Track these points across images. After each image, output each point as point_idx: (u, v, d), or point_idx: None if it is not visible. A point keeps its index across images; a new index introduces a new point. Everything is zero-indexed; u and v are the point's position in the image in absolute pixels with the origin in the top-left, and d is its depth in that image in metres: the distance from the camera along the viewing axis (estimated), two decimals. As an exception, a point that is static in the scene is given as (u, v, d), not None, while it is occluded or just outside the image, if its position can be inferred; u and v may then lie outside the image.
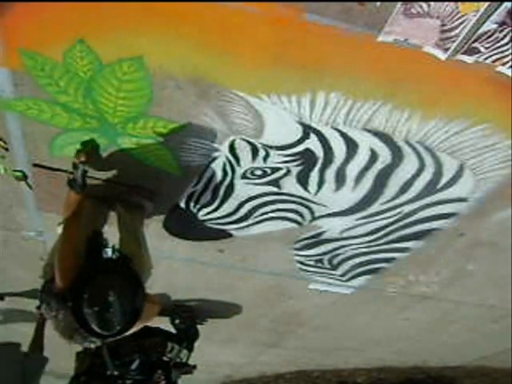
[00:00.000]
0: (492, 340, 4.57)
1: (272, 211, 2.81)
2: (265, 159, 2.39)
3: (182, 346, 3.86)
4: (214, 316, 4.23)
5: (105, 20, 1.73)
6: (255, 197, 2.69)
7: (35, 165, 2.46)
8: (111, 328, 2.04)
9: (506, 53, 1.80)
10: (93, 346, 2.24)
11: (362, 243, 3.12)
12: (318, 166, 2.43)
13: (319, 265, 3.41)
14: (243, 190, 2.62)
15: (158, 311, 2.60)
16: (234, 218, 2.87)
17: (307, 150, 2.32)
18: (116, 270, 2.20)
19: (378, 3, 1.63)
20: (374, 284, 3.62)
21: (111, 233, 2.56)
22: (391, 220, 2.86)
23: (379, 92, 2.00)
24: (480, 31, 1.72)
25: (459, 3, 1.63)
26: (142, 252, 2.46)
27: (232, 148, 2.32)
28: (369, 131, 2.21)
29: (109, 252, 2.46)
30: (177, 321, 4.03)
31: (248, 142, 2.28)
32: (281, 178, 2.53)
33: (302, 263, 3.39)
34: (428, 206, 2.71)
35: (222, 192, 2.64)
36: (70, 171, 2.43)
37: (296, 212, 2.82)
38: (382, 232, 2.98)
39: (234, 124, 2.17)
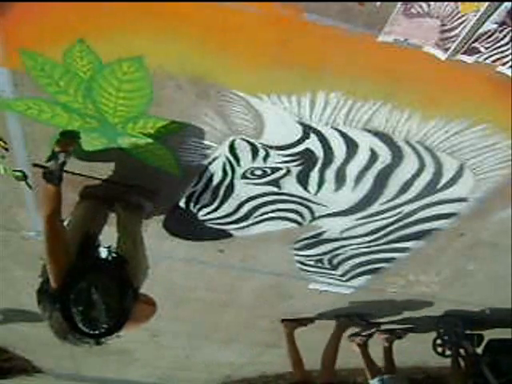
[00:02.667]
0: (492, 340, 4.57)
1: (272, 211, 2.81)
2: (265, 159, 2.39)
3: None
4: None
5: (105, 20, 1.73)
6: (255, 197, 2.69)
7: (35, 165, 2.46)
8: (97, 327, 2.05)
9: (506, 53, 1.80)
10: (88, 346, 2.24)
11: (362, 243, 3.12)
12: (318, 166, 2.43)
13: (319, 265, 3.41)
14: (243, 190, 2.62)
15: (154, 313, 2.60)
16: (234, 217, 2.87)
17: (307, 150, 2.32)
18: (103, 270, 2.20)
19: (378, 3, 1.63)
20: (374, 284, 3.62)
21: (110, 233, 2.56)
22: (391, 220, 2.86)
23: (379, 92, 2.00)
24: (480, 31, 1.72)
25: (459, 3, 1.63)
26: (139, 252, 2.46)
27: (232, 148, 2.32)
28: (369, 131, 2.21)
29: (104, 252, 2.46)
30: None
31: (248, 142, 2.28)
32: (281, 177, 2.53)
33: (302, 263, 3.39)
34: (428, 206, 2.71)
35: (222, 192, 2.64)
36: (69, 171, 2.43)
37: (296, 212, 2.82)
38: (382, 232, 2.98)
39: (233, 124, 2.17)
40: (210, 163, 2.42)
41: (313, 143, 2.28)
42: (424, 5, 1.64)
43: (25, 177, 2.56)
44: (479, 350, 3.92)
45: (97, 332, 2.07)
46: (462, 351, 3.93)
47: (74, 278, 2.08)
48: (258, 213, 2.82)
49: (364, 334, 4.32)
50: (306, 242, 3.13)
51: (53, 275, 2.13)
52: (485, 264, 3.27)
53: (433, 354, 4.24)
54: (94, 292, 2.02)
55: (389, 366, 4.29)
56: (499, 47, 1.78)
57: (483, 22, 1.68)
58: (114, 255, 2.39)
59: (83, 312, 2.01)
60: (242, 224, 2.94)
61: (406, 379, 4.42)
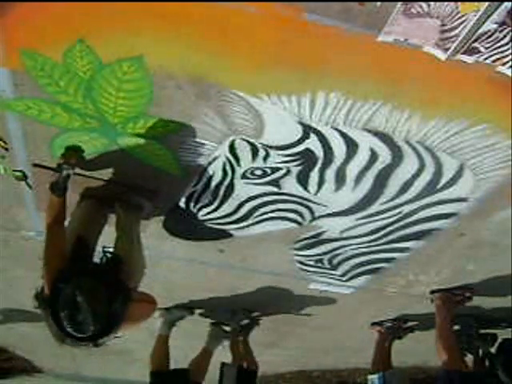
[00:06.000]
0: (492, 340, 4.56)
1: (272, 211, 2.81)
2: (265, 159, 2.39)
3: None
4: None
5: (105, 20, 1.73)
6: (255, 197, 2.69)
7: (35, 165, 2.46)
8: (85, 330, 2.05)
9: (506, 53, 1.80)
10: (87, 347, 2.24)
11: (362, 243, 3.12)
12: (318, 165, 2.43)
13: (319, 265, 3.41)
14: (243, 190, 2.62)
15: (154, 311, 2.59)
16: (234, 217, 2.87)
17: (307, 149, 2.32)
18: (92, 273, 2.21)
19: (378, 3, 1.63)
20: (374, 284, 3.62)
21: (110, 233, 2.56)
22: (391, 220, 2.86)
23: (379, 92, 2.00)
24: (480, 31, 1.72)
25: (459, 3, 1.63)
26: (136, 252, 2.47)
27: (232, 148, 2.32)
28: (369, 131, 2.21)
29: (100, 253, 2.46)
30: None
31: (248, 142, 2.28)
32: (281, 177, 2.53)
33: (302, 263, 3.39)
34: (428, 206, 2.71)
35: (222, 192, 2.64)
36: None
37: (296, 212, 2.82)
38: (382, 232, 2.98)
39: (234, 124, 2.17)
40: (209, 163, 2.42)
41: (313, 143, 2.28)
42: (424, 5, 1.64)
43: (25, 177, 2.56)
44: (493, 350, 3.90)
45: (85, 335, 2.07)
46: (474, 351, 3.90)
47: (62, 282, 2.09)
48: (258, 213, 2.82)
49: (390, 324, 4.25)
50: (306, 241, 3.13)
51: (46, 279, 2.15)
52: (485, 264, 3.27)
53: (433, 354, 4.24)
54: (78, 295, 2.03)
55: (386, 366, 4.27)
56: (499, 47, 1.78)
57: (483, 22, 1.68)
58: (110, 255, 2.39)
59: (69, 316, 2.03)
60: (242, 224, 2.94)
61: (406, 376, 4.40)
